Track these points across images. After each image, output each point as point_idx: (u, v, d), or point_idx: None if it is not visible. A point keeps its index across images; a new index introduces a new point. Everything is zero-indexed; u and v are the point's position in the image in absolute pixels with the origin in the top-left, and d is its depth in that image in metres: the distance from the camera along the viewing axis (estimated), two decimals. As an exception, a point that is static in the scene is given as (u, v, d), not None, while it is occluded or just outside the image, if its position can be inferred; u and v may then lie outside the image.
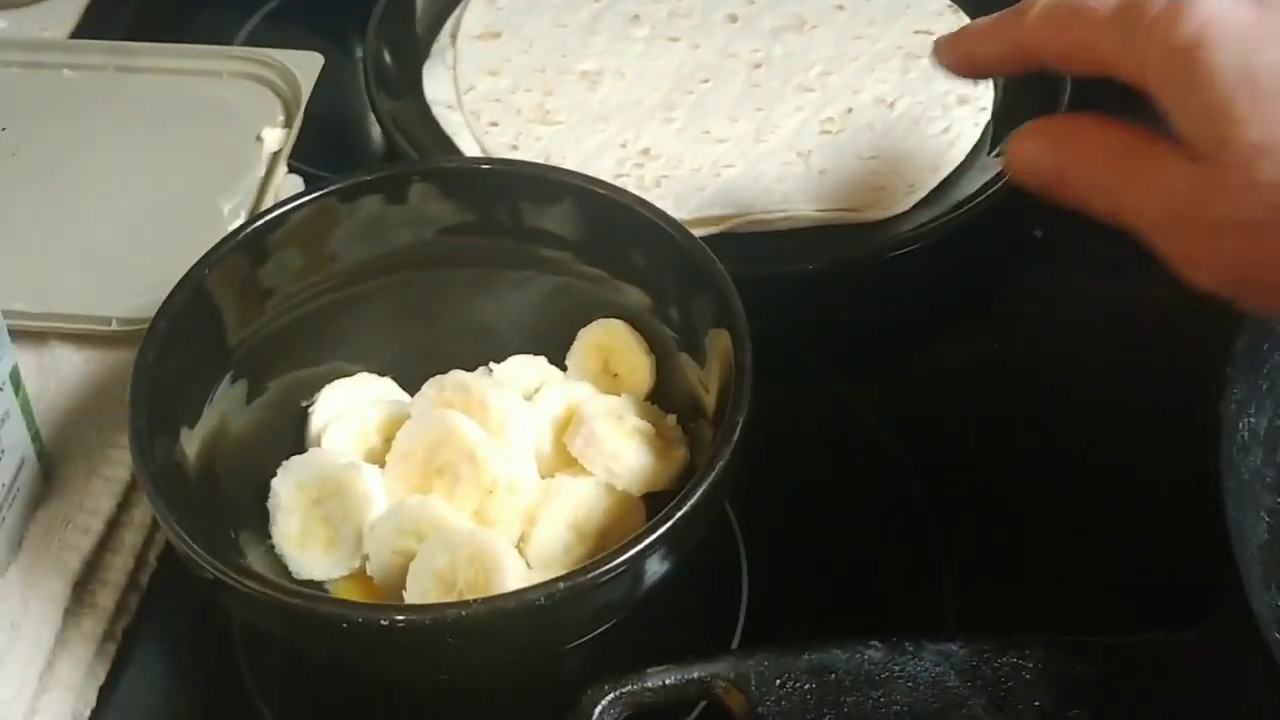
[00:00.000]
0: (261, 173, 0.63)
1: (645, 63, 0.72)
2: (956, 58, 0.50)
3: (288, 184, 0.64)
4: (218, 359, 0.51)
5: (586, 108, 0.69)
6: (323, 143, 0.67)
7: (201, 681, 0.53)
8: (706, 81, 0.71)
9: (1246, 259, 0.41)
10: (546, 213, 0.53)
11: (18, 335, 0.53)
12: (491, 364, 0.55)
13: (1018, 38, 0.46)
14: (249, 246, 0.51)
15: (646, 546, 0.42)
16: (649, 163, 0.67)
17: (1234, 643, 0.44)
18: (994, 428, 0.60)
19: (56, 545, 0.52)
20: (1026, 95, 0.69)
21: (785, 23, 0.74)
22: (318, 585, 0.50)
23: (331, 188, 0.52)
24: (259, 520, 0.51)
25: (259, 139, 0.65)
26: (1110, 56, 0.43)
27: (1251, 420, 0.55)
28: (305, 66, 0.67)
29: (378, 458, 0.52)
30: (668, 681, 0.41)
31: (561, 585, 0.41)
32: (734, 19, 0.74)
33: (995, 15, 0.48)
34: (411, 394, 0.54)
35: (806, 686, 0.41)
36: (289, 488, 0.50)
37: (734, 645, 0.52)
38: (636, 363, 0.54)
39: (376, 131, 0.69)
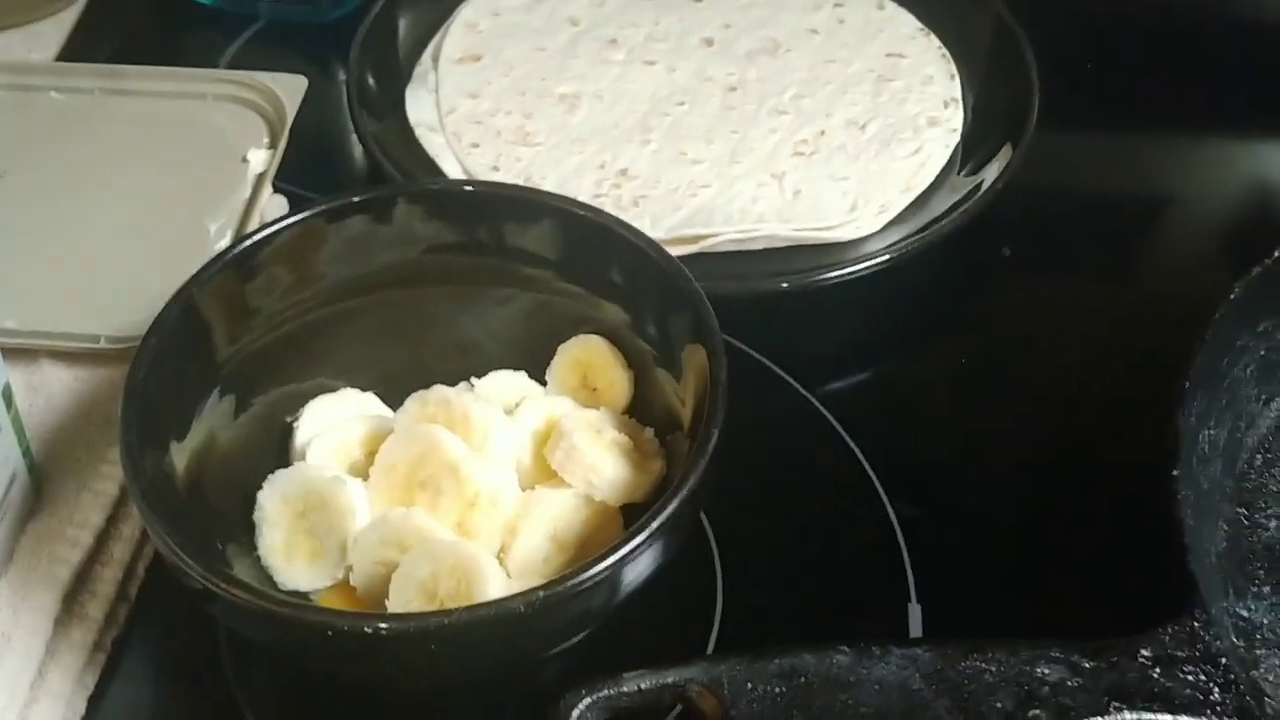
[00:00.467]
0: (247, 193, 0.65)
1: (622, 86, 0.74)
2: None
3: (273, 204, 0.65)
4: (206, 375, 0.53)
5: (565, 130, 0.71)
6: (307, 164, 0.69)
7: (190, 692, 0.54)
8: (682, 104, 0.73)
9: None
10: (528, 233, 0.55)
11: (8, 353, 0.55)
12: (473, 379, 0.56)
13: None
14: (238, 265, 0.53)
15: (624, 555, 0.44)
16: (626, 183, 0.68)
17: (1191, 646, 0.46)
18: (963, 440, 0.62)
19: (46, 558, 0.53)
20: (995, 117, 0.71)
21: (760, 46, 0.76)
22: (303, 596, 0.51)
23: (319, 209, 0.54)
24: (245, 533, 0.52)
25: (244, 160, 0.66)
26: None
27: (1211, 433, 0.57)
28: (290, 89, 0.68)
29: (361, 471, 0.53)
30: (643, 686, 0.43)
31: (541, 594, 0.43)
32: (710, 43, 0.76)
33: None
34: (395, 410, 0.56)
35: (777, 690, 0.42)
36: (274, 501, 0.51)
37: (709, 651, 0.53)
38: (615, 378, 0.55)
39: (359, 152, 0.71)
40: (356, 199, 0.54)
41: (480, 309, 0.57)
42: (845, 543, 0.58)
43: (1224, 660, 0.46)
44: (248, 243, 0.53)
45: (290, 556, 0.51)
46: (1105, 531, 0.57)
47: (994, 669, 0.44)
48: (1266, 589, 0.55)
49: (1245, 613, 0.54)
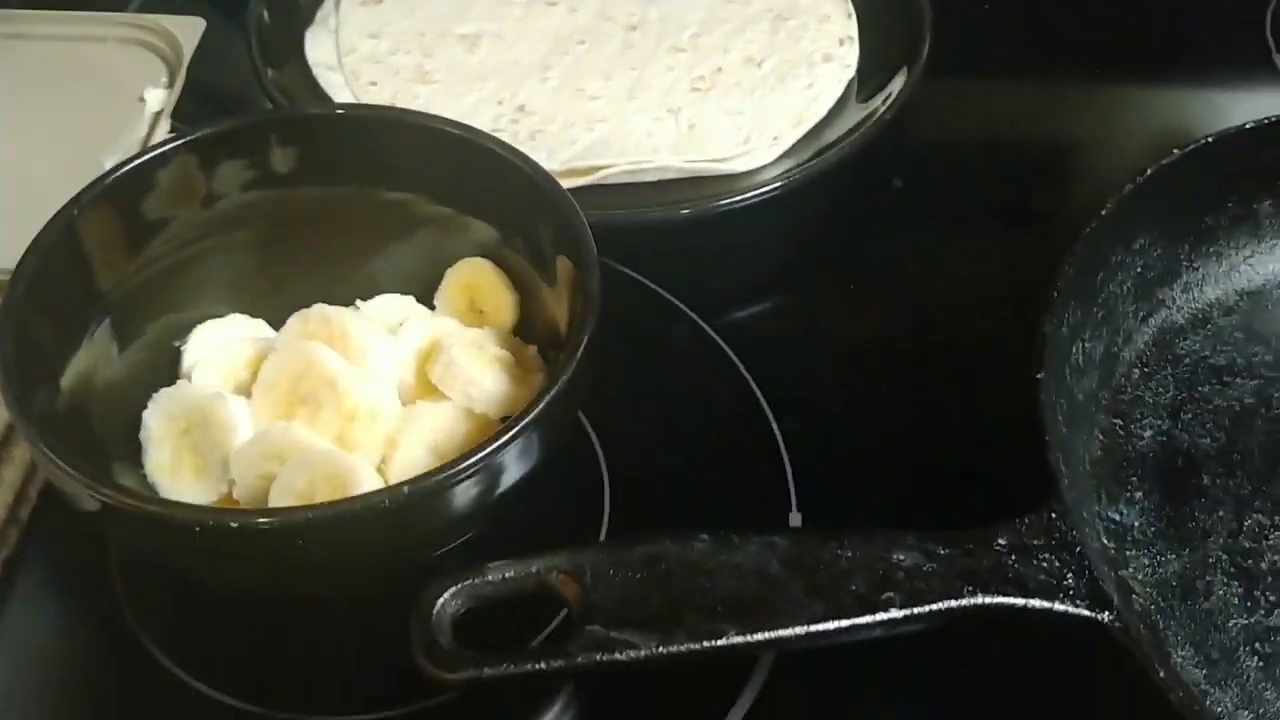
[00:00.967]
0: (143, 131, 0.65)
1: (524, 26, 0.74)
2: None
3: (170, 142, 0.65)
4: (90, 299, 0.53)
5: (464, 68, 0.72)
6: (207, 106, 0.69)
7: (82, 611, 0.54)
8: (583, 43, 0.74)
9: None
10: (395, 154, 0.55)
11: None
12: (359, 301, 0.57)
13: None
14: (117, 190, 0.53)
15: (492, 450, 0.45)
16: (524, 118, 0.69)
17: (1047, 536, 0.47)
18: (849, 363, 0.63)
19: (-65, 481, 0.53)
20: (888, 53, 0.72)
21: (661, -14, 0.77)
22: (188, 511, 0.52)
23: (195, 135, 0.54)
24: (131, 453, 0.52)
25: (141, 100, 0.67)
26: None
27: (1087, 345, 0.58)
28: (188, 30, 0.69)
29: (245, 391, 0.54)
30: (507, 575, 0.43)
31: (407, 489, 0.44)
32: (612, -15, 0.77)
33: None
34: (284, 334, 0.56)
35: (638, 575, 0.43)
36: (159, 419, 0.52)
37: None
38: (500, 300, 0.56)
39: (260, 96, 0.71)
40: (232, 125, 0.55)
41: (365, 235, 0.58)
42: (731, 458, 0.59)
43: (1079, 549, 0.47)
44: (127, 167, 0.53)
45: (175, 473, 0.52)
46: (982, 443, 0.58)
47: (850, 555, 0.45)
48: (1139, 494, 0.56)
49: (1117, 516, 0.55)
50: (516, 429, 0.46)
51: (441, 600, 0.43)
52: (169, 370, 0.55)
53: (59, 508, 0.49)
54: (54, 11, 0.71)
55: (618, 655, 0.42)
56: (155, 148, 0.54)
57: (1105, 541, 0.54)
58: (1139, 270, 0.61)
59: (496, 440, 0.45)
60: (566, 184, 0.55)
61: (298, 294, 0.57)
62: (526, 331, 0.56)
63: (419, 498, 0.44)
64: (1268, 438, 0.58)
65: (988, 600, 0.45)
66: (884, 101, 0.69)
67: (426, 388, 0.54)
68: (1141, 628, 0.50)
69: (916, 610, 0.44)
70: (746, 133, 0.69)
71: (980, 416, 0.60)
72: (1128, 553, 0.54)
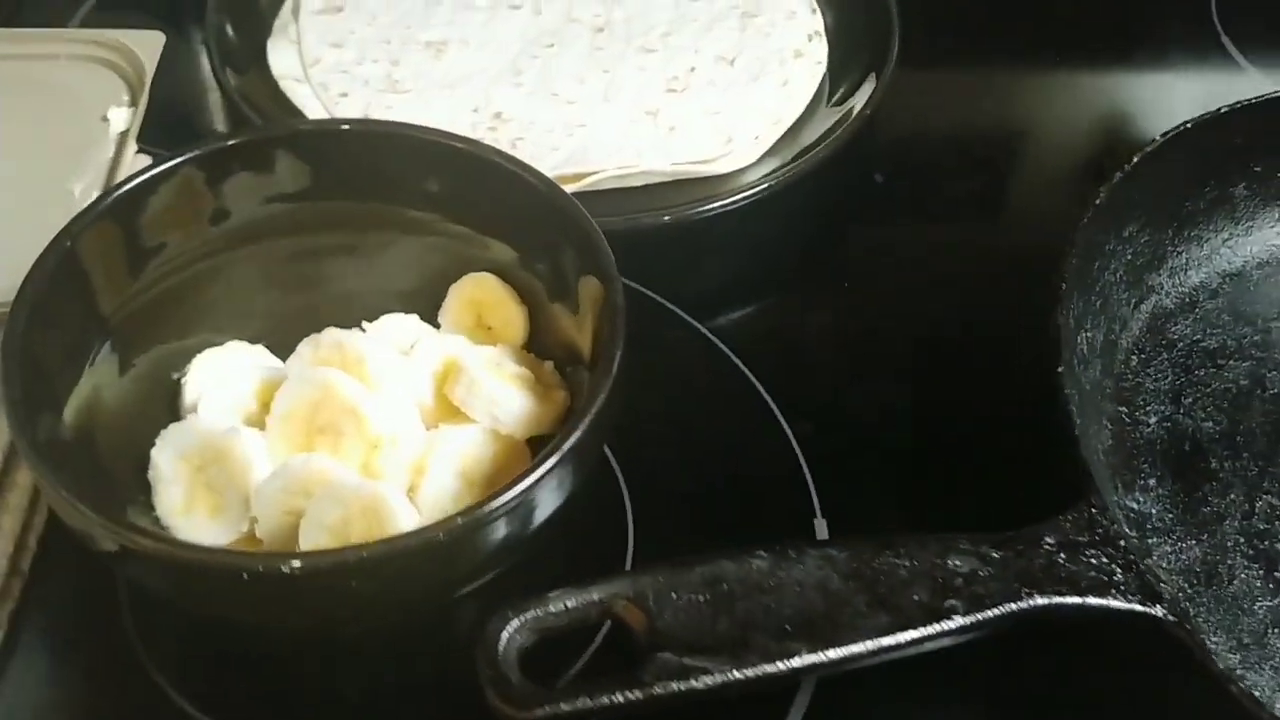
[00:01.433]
0: (110, 153, 0.63)
1: (489, 30, 0.73)
2: None
3: (137, 163, 0.63)
4: (89, 329, 0.51)
5: (433, 75, 0.70)
6: (171, 123, 0.67)
7: (95, 661, 0.52)
8: (551, 46, 0.72)
9: None
10: (410, 172, 0.54)
11: None
12: (364, 324, 0.55)
13: None
14: (112, 214, 0.51)
15: (540, 478, 0.44)
16: (502, 125, 0.68)
17: (1091, 531, 0.48)
18: (850, 360, 0.63)
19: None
20: (858, 48, 0.72)
21: (624, -13, 0.76)
22: (207, 552, 0.50)
23: (192, 153, 0.52)
24: (140, 493, 0.50)
25: (105, 120, 0.64)
26: None
27: (1089, 335, 0.59)
28: (147, 45, 0.66)
29: (257, 422, 0.52)
30: (569, 604, 0.42)
31: (460, 520, 0.43)
32: (574, -15, 0.76)
33: None
34: (285, 361, 0.54)
35: (701, 598, 0.43)
36: (169, 457, 0.50)
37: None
38: (509, 314, 0.55)
39: (224, 108, 0.69)
40: (231, 143, 0.53)
41: (365, 254, 0.56)
42: (748, 464, 0.58)
43: (1122, 543, 0.47)
44: (122, 190, 0.51)
45: (190, 513, 0.50)
46: (994, 435, 0.59)
47: (907, 563, 0.45)
48: (1152, 481, 0.57)
49: (1135, 505, 0.56)
50: (564, 450, 0.45)
51: (507, 634, 0.41)
52: (169, 406, 0.53)
53: (64, 554, 0.47)
54: (1, 30, 0.68)
55: (694, 682, 0.41)
56: (151, 168, 0.52)
57: (1128, 531, 0.55)
58: (1129, 257, 0.62)
59: (545, 464, 0.44)
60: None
61: (294, 317, 0.56)
62: (537, 347, 0.55)
63: (472, 528, 0.43)
64: (1266, 419, 0.59)
65: (1044, 601, 0.45)
66: (860, 98, 0.69)
67: (447, 410, 0.52)
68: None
69: (980, 617, 0.44)
70: (727, 133, 0.68)
71: (989, 408, 0.60)
72: (1149, 541, 0.55)
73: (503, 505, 0.43)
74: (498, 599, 0.48)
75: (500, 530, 0.44)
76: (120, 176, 0.62)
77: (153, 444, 0.50)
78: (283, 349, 0.55)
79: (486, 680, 0.41)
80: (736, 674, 0.41)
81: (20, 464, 0.53)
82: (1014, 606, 0.45)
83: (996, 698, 0.51)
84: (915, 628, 0.43)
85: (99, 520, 0.43)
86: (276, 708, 0.51)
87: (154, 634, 0.51)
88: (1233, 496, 0.57)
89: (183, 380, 0.54)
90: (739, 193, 0.64)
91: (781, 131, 0.69)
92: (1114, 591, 0.46)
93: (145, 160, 0.64)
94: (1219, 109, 0.63)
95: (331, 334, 0.53)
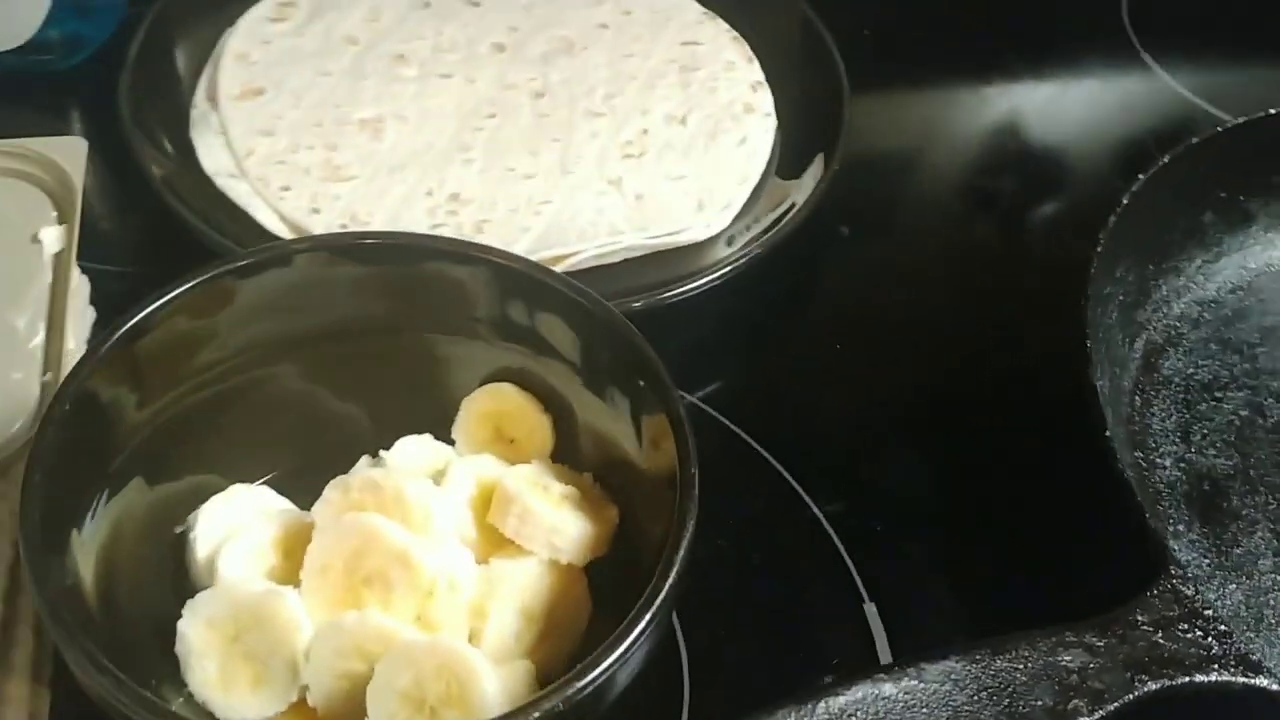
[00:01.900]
0: (48, 278, 0.57)
1: (424, 103, 0.69)
2: None
3: (81, 287, 0.57)
4: (95, 478, 0.47)
5: (377, 158, 0.66)
6: (103, 235, 0.61)
7: None
8: (493, 116, 0.69)
9: None
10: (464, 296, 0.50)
11: None
12: (381, 452, 0.51)
13: None
14: (123, 350, 0.46)
15: (646, 623, 0.41)
16: (462, 208, 0.64)
17: (1178, 604, 0.47)
18: (859, 423, 0.61)
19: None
20: (802, 98, 0.71)
21: (553, 47, 0.73)
22: (252, 730, 0.45)
23: (211, 273, 0.48)
24: (165, 667, 0.46)
25: (36, 241, 0.58)
26: None
27: (1100, 384, 0.58)
28: (69, 153, 0.60)
29: (283, 577, 0.48)
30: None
31: (579, 683, 0.39)
32: (501, 48, 0.72)
33: None
34: (295, 501, 0.50)
35: (840, 737, 0.41)
36: (199, 628, 0.45)
37: (686, 693, 0.51)
38: (533, 424, 0.52)
39: (158, 213, 0.63)
40: (246, 260, 0.48)
41: (360, 377, 0.52)
42: (782, 551, 0.56)
43: (1208, 611, 0.47)
44: (131, 323, 0.46)
45: (229, 688, 0.45)
46: (1027, 489, 0.58)
47: (1023, 666, 0.43)
48: (1181, 528, 0.57)
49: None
50: (666, 590, 0.42)
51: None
52: (174, 562, 0.49)
53: None
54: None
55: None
56: (157, 299, 0.47)
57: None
58: (1121, 298, 0.62)
59: (650, 608, 0.41)
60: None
61: (290, 451, 0.52)
62: (566, 455, 0.52)
63: (591, 692, 0.40)
64: (1273, 449, 0.60)
65: (1156, 686, 0.45)
66: (821, 156, 0.67)
67: (493, 539, 0.49)
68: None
69: (1102, 712, 0.43)
70: (697, 197, 0.66)
71: (1017, 460, 0.59)
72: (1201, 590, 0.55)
73: (620, 656, 0.40)
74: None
75: (617, 684, 0.41)
76: (65, 302, 0.56)
77: (170, 608, 0.46)
78: (286, 488, 0.51)
79: None
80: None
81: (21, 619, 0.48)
82: (1130, 697, 0.44)
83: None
84: (1051, 736, 0.42)
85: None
86: None
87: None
88: (1259, 534, 0.57)
89: (190, 535, 0.49)
90: (729, 263, 0.62)
91: (749, 191, 0.67)
92: (1216, 667, 0.46)
93: (87, 283, 0.58)
94: (1191, 140, 0.63)
95: (363, 474, 0.48)
